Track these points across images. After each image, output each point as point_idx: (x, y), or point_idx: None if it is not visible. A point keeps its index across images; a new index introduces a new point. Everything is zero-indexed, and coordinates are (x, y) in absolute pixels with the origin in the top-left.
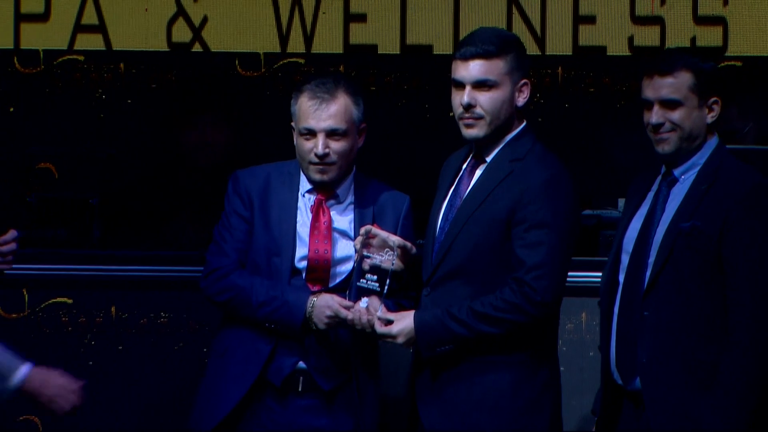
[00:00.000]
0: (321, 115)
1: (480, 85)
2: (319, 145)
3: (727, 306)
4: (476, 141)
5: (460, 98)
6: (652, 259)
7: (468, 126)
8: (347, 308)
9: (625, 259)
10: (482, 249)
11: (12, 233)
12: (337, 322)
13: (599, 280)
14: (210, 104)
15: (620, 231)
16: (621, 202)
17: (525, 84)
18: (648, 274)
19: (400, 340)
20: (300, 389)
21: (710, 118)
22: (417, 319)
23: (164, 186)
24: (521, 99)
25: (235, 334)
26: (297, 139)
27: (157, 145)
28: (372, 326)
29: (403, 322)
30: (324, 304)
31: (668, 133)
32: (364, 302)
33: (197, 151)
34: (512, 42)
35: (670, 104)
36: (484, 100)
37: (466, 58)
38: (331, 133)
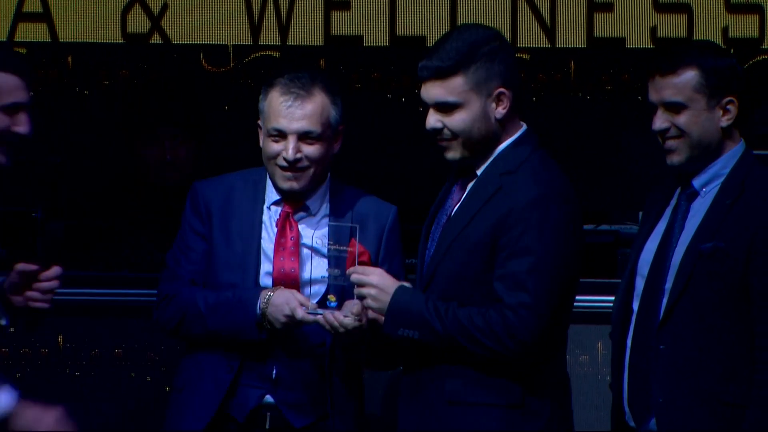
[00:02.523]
0: (294, 115)
1: (441, 107)
2: (289, 148)
3: (754, 340)
4: (458, 162)
5: (428, 120)
6: (669, 285)
7: (443, 148)
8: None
9: (639, 283)
10: (465, 278)
11: (55, 270)
12: (296, 322)
13: None
14: (170, 102)
15: (635, 251)
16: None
17: (502, 93)
18: (664, 302)
19: (374, 291)
20: (267, 426)
21: (725, 120)
22: (399, 291)
23: (118, 198)
24: (500, 110)
25: (194, 365)
26: (264, 141)
27: (110, 150)
28: (347, 328)
29: (388, 280)
30: (282, 301)
31: (675, 140)
32: (333, 303)
33: (156, 156)
34: (479, 48)
35: (673, 107)
36: (451, 122)
37: (422, 77)
38: (303, 136)
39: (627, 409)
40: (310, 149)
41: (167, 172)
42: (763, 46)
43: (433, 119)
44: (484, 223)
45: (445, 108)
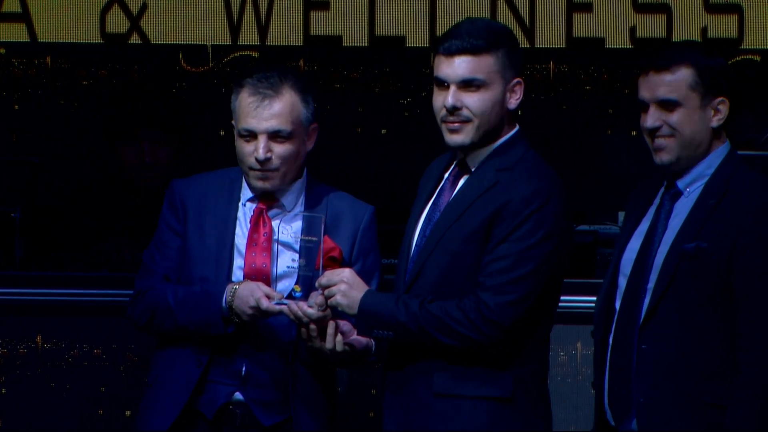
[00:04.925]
0: (263, 114)
1: (467, 84)
2: (260, 148)
3: (736, 340)
4: (461, 148)
5: (444, 99)
6: (651, 285)
7: (452, 131)
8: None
9: (622, 282)
10: (457, 268)
11: None
12: (262, 313)
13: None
14: (151, 103)
15: (618, 250)
16: (621, 216)
17: (518, 83)
18: (647, 301)
19: (343, 287)
20: (237, 424)
21: (715, 121)
22: (367, 295)
23: (97, 197)
24: (514, 100)
25: (164, 360)
26: (236, 141)
27: (88, 150)
28: (311, 318)
29: (357, 278)
30: (247, 292)
31: (666, 138)
32: (299, 293)
33: (136, 158)
34: (504, 35)
35: (667, 105)
36: (472, 101)
37: (451, 53)
38: (274, 135)
39: (607, 408)
40: (281, 148)
41: (147, 173)
42: (742, 47)
43: (453, 97)
44: (479, 214)
45: (470, 86)
